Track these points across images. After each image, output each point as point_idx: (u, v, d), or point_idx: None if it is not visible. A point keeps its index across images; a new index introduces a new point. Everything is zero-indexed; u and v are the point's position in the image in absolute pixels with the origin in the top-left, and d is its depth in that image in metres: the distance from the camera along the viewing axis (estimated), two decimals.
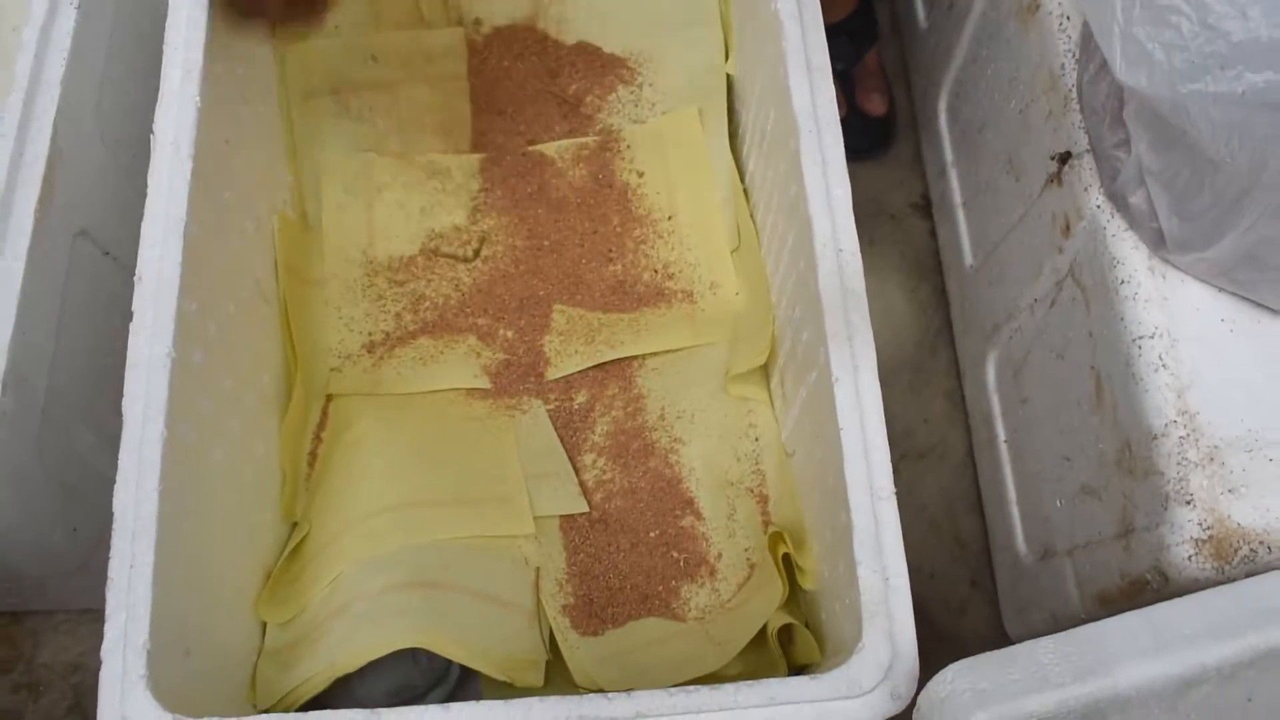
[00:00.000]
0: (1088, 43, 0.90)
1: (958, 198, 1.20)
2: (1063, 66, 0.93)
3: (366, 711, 0.67)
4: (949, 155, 1.23)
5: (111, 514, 0.94)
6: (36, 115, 0.88)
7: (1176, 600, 0.68)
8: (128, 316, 0.98)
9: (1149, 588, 0.82)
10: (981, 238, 1.14)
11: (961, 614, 1.14)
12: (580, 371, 1.02)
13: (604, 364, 1.02)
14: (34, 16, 0.91)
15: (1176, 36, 0.69)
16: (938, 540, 1.17)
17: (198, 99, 0.85)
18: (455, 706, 0.66)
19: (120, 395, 0.96)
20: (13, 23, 1.29)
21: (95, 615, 1.11)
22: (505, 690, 0.84)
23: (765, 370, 1.00)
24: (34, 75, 0.89)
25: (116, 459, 0.96)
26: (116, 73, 0.99)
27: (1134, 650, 0.65)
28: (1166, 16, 0.70)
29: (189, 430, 0.77)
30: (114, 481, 0.95)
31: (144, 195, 1.00)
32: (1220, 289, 0.83)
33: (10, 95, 0.88)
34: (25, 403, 0.83)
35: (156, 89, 0.97)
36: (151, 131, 0.85)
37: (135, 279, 0.79)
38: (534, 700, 0.66)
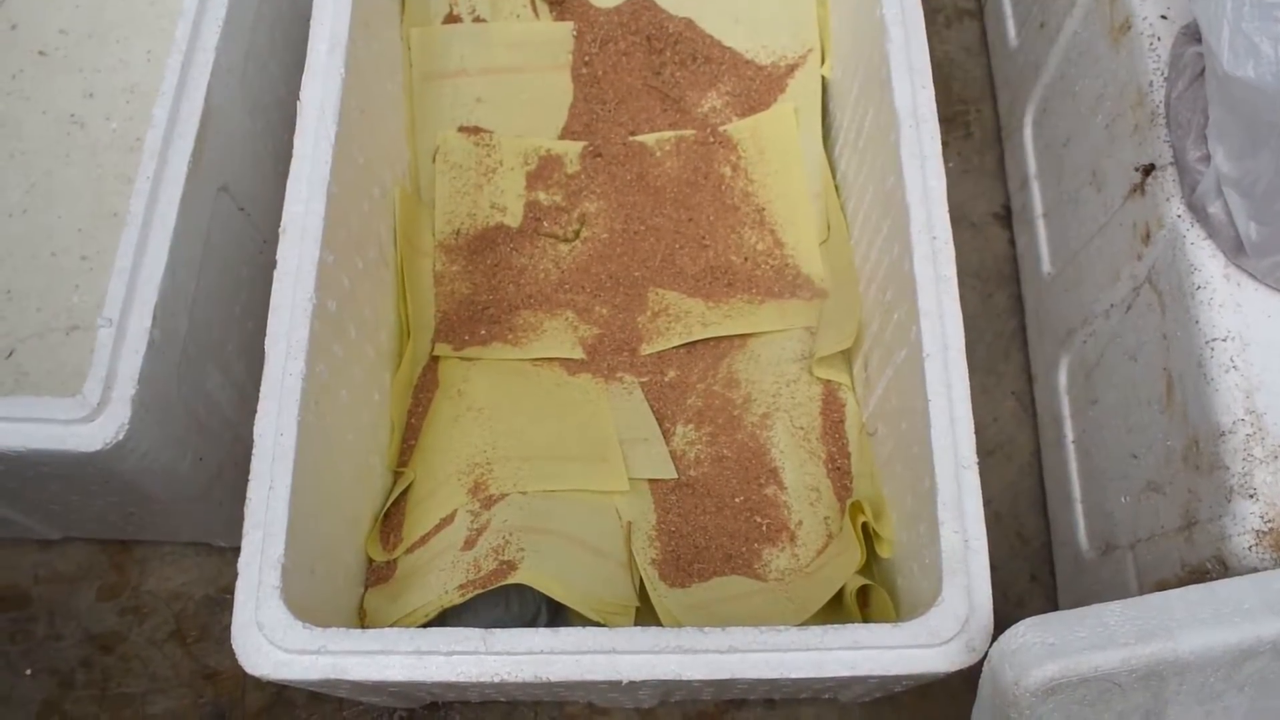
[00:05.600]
0: (1177, 61, 0.95)
1: (1039, 208, 1.25)
2: (1151, 83, 0.98)
3: (482, 630, 0.73)
4: (1032, 167, 1.28)
5: (234, 452, 1.02)
6: (192, 77, 0.95)
7: (1238, 577, 0.72)
8: (258, 271, 1.06)
9: (1209, 576, 0.86)
10: (1061, 246, 1.19)
11: (1020, 606, 1.19)
12: (672, 349, 1.08)
13: (694, 343, 1.08)
14: None
15: None
16: (1001, 534, 1.22)
17: (342, 69, 0.92)
18: (564, 630, 0.72)
19: (246, 343, 1.04)
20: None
21: (199, 548, 1.18)
22: None
23: (848, 356, 1.05)
24: (191, 40, 0.96)
25: (238, 397, 1.04)
26: (259, 43, 1.06)
27: (1196, 619, 0.70)
28: (1275, 12, 0.76)
29: (324, 370, 0.84)
30: (237, 421, 1.03)
31: (276, 157, 1.08)
32: None
33: (170, 57, 0.96)
34: (170, 336, 0.90)
35: (292, 60, 1.04)
36: (298, 98, 0.92)
37: (280, 230, 0.86)
38: (636, 629, 0.72)
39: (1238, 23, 0.78)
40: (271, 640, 0.73)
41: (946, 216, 0.85)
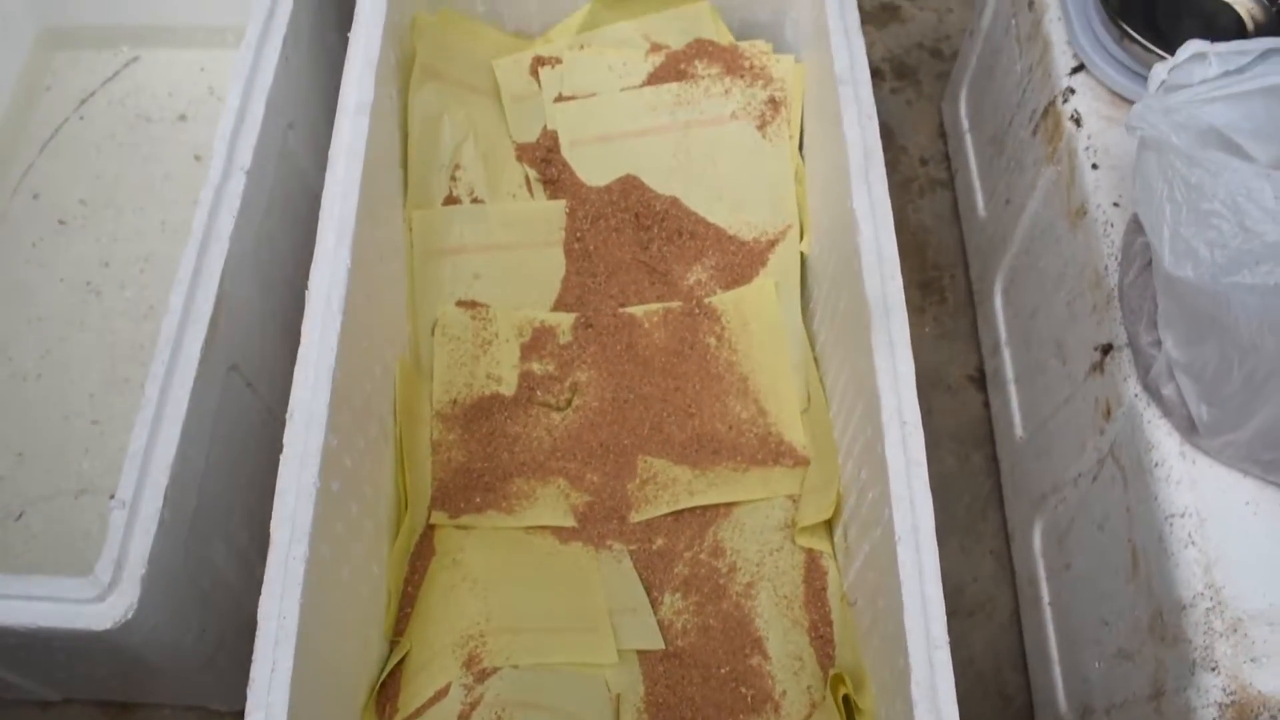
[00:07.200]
0: (1128, 249, 1.01)
1: (1010, 374, 1.31)
2: (1106, 267, 1.04)
3: None
4: (1003, 334, 1.34)
5: (236, 619, 1.05)
6: (207, 265, 1.01)
7: None
8: (264, 443, 1.10)
9: None
10: (1031, 412, 1.24)
11: None
12: (660, 517, 1.12)
13: (681, 511, 1.13)
14: (211, 179, 1.05)
15: (1218, 236, 0.82)
16: (983, 694, 1.25)
17: (349, 259, 0.98)
18: None
19: (251, 513, 1.08)
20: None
21: (199, 712, 1.20)
22: None
23: (829, 524, 1.09)
24: (207, 230, 1.03)
25: (243, 569, 1.07)
26: (271, 226, 1.13)
27: None
28: (1210, 219, 0.82)
29: (326, 550, 0.88)
30: (240, 590, 1.06)
31: (283, 332, 1.14)
32: (1245, 473, 0.92)
33: (186, 247, 1.02)
34: (179, 514, 0.94)
35: (301, 240, 1.10)
36: (306, 276, 0.97)
37: (288, 415, 0.91)
38: None
39: (1176, 227, 0.85)
40: None
41: (915, 403, 0.90)
